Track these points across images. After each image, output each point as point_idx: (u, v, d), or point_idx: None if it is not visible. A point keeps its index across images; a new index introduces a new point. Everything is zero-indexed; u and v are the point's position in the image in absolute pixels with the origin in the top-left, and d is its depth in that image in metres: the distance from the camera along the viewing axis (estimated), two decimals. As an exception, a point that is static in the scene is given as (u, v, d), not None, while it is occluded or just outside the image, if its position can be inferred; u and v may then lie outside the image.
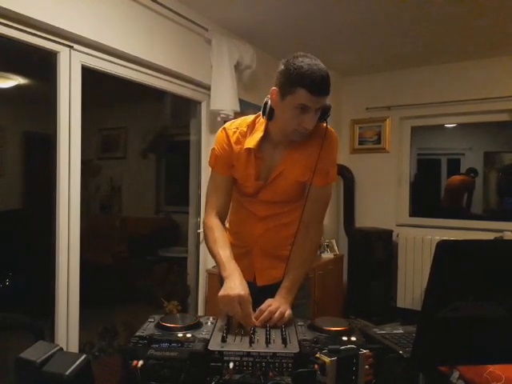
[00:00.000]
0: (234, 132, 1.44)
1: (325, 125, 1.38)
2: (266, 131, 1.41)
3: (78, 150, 2.18)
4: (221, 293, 1.20)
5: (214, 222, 1.44)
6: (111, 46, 2.28)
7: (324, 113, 1.32)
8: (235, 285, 1.20)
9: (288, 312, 1.23)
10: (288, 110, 1.28)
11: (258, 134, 1.40)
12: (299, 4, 2.73)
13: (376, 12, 2.83)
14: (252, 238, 1.53)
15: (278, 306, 1.23)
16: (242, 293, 1.17)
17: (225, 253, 1.33)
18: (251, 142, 1.40)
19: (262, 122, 1.42)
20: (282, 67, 1.28)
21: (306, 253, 1.44)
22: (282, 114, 1.33)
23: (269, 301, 1.27)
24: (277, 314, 1.19)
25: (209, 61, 2.95)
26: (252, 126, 1.44)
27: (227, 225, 1.60)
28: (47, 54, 2.09)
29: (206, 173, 3.05)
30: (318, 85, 1.22)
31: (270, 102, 1.35)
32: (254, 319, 1.17)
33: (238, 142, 1.43)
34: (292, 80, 1.23)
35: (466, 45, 3.42)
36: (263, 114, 1.38)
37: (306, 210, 1.44)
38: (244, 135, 1.43)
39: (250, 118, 1.47)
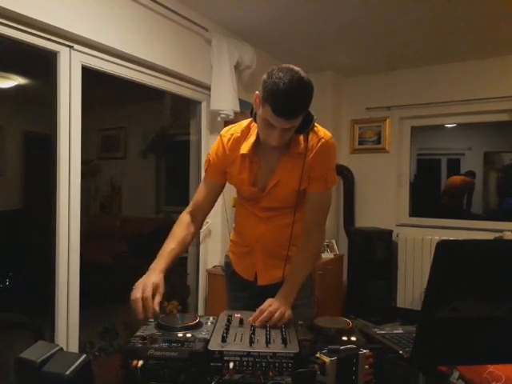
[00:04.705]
0: (229, 139, 1.45)
1: (310, 136, 1.35)
2: (258, 135, 1.39)
3: (78, 150, 2.18)
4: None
5: (183, 217, 1.51)
6: (111, 46, 2.28)
7: (305, 124, 1.29)
8: (147, 278, 1.29)
9: (288, 313, 1.22)
10: (260, 120, 1.28)
11: (252, 139, 1.40)
12: (299, 4, 2.72)
13: (376, 12, 2.82)
14: (254, 237, 1.54)
15: (278, 306, 1.22)
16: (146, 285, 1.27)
17: (166, 246, 1.38)
18: (245, 147, 1.40)
19: (256, 126, 1.40)
20: (265, 75, 1.22)
21: (308, 255, 1.44)
22: (258, 120, 1.31)
23: (269, 301, 1.27)
24: (277, 315, 1.19)
25: (209, 61, 2.95)
26: (247, 131, 1.44)
27: (233, 225, 1.66)
28: (47, 54, 2.08)
29: (205, 173, 3.05)
30: (284, 108, 1.17)
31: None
32: (154, 305, 1.22)
33: (232, 148, 1.44)
34: (265, 93, 1.20)
35: (466, 45, 3.42)
36: (251, 114, 1.38)
37: (306, 215, 1.46)
38: (238, 140, 1.43)
39: (246, 122, 1.47)
